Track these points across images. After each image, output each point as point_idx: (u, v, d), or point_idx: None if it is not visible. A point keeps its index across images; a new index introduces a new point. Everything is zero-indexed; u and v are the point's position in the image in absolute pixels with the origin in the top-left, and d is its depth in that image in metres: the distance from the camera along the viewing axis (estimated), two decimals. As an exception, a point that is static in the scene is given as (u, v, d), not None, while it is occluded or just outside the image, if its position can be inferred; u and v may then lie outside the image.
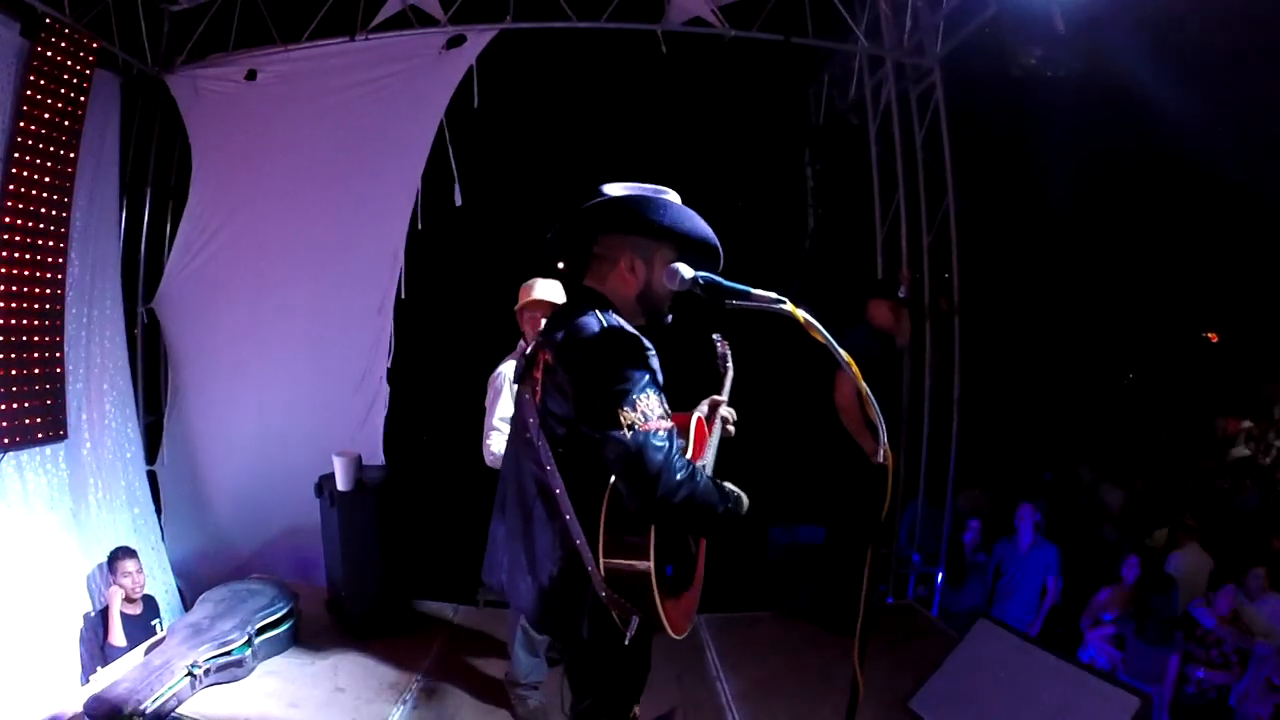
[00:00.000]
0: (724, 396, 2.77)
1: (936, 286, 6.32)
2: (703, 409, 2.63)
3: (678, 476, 1.96)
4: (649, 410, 1.99)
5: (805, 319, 1.96)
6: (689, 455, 2.29)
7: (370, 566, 4.63)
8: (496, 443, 3.70)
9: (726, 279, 2.05)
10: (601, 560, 2.06)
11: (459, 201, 5.72)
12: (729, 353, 2.94)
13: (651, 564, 2.05)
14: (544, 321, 3.60)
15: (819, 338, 1.97)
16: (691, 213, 2.24)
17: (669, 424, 2.03)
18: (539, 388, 2.19)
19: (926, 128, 6.30)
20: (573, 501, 2.09)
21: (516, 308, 3.88)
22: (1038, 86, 5.65)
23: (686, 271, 2.06)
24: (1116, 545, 7.17)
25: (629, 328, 2.14)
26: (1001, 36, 5.42)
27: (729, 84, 6.98)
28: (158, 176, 6.24)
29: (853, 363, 2.01)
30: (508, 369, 3.80)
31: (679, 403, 2.35)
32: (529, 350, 2.29)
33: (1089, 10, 5.15)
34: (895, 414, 5.65)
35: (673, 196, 2.27)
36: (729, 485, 2.19)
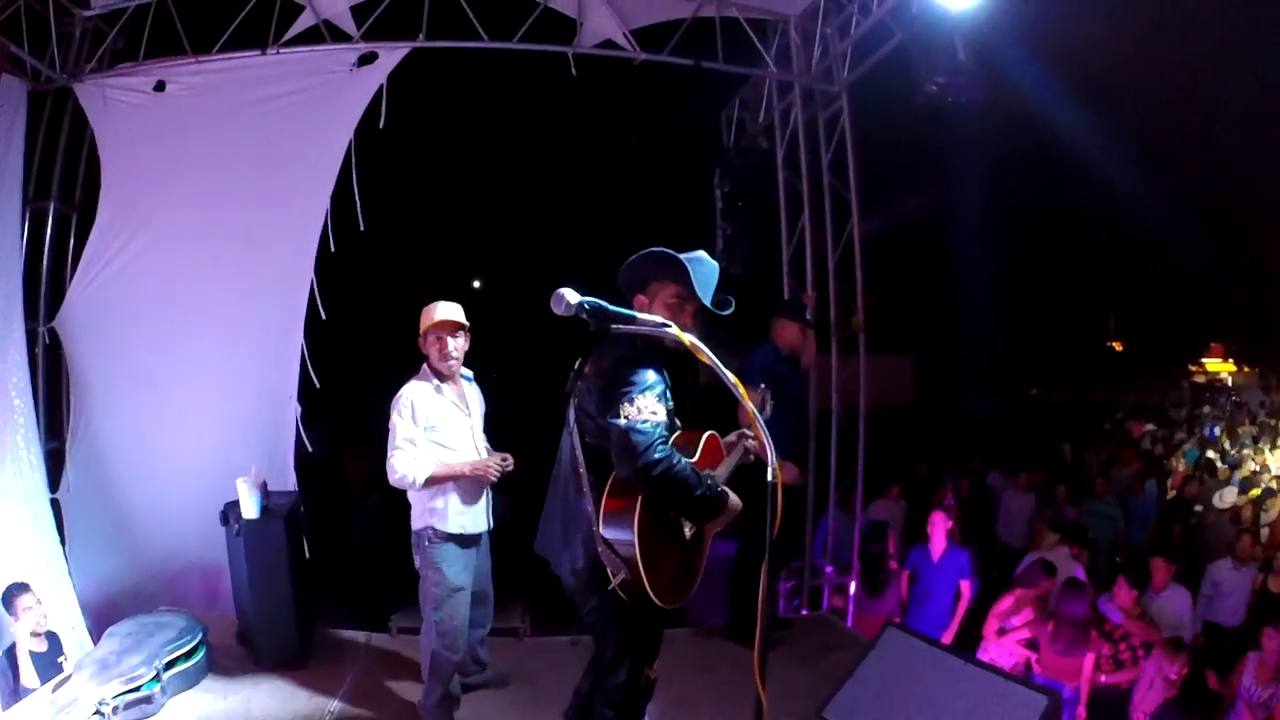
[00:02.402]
0: (752, 432, 3.12)
1: (843, 306, 6.50)
2: (731, 436, 3.07)
3: (655, 455, 2.40)
4: (643, 407, 2.46)
5: (691, 342, 2.11)
6: (694, 461, 2.62)
7: (279, 595, 4.53)
8: (400, 462, 3.72)
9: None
10: (601, 521, 2.54)
11: (363, 226, 5.63)
12: (769, 399, 3.26)
13: (635, 532, 2.47)
14: (450, 341, 3.55)
15: (705, 360, 2.08)
16: (683, 262, 2.66)
17: (658, 418, 2.49)
18: (578, 392, 2.72)
19: (833, 151, 6.48)
20: (591, 480, 2.61)
21: (422, 330, 3.87)
22: (942, 112, 5.88)
23: (572, 297, 2.24)
24: (1021, 550, 7.41)
25: (644, 350, 2.57)
26: (906, 64, 5.61)
27: (641, 106, 7.06)
28: (63, 190, 5.98)
29: (739, 383, 2.11)
30: (410, 391, 3.83)
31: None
32: (577, 363, 2.75)
33: (990, 39, 5.41)
34: (802, 432, 5.76)
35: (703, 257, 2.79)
36: (721, 485, 2.63)
